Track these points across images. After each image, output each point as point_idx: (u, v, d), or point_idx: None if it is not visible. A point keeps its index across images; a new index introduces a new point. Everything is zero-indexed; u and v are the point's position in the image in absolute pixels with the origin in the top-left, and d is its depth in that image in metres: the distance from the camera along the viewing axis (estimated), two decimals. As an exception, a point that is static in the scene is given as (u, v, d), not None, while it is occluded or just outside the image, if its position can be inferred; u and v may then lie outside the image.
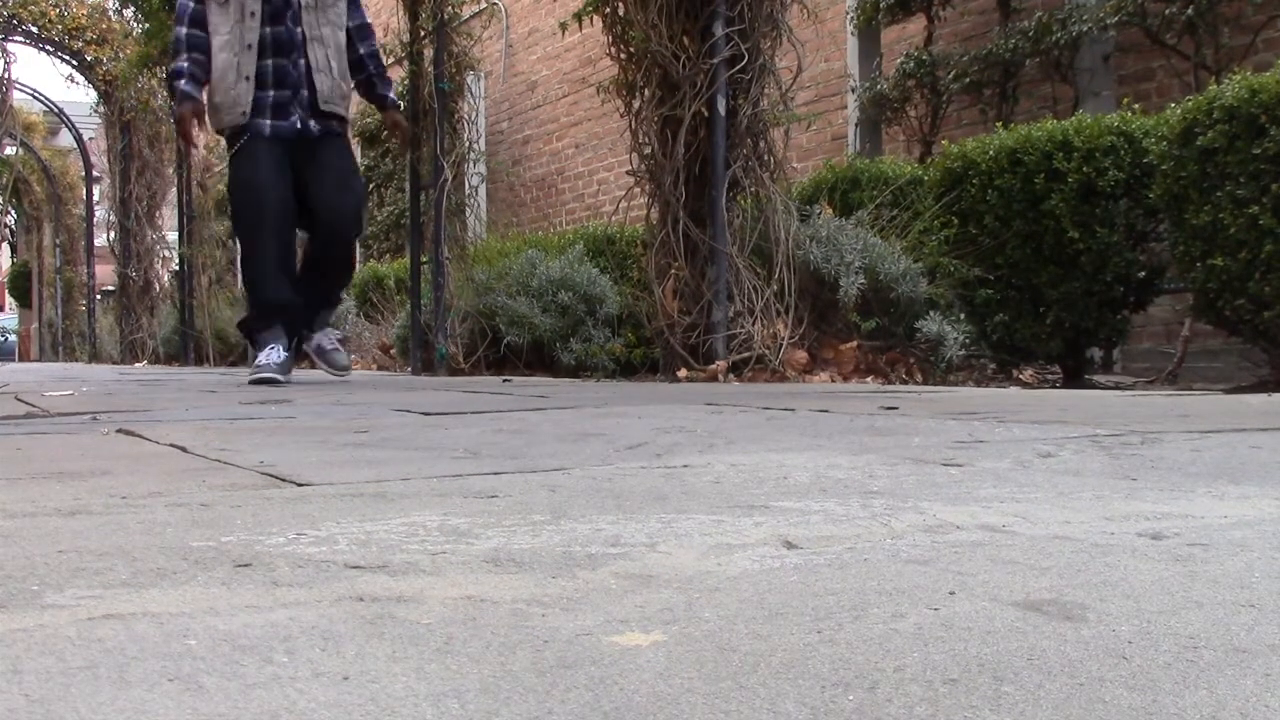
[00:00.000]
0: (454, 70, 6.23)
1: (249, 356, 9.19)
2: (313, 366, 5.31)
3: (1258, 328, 3.26)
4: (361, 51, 4.97)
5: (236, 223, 4.93)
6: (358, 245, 17.01)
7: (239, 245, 5.10)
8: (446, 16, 6.11)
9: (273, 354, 4.66)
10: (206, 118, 4.84)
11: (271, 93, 4.72)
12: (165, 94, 11.01)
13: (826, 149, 7.48)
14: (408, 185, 6.65)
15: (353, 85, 4.99)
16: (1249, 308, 3.21)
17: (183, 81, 4.65)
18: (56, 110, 15.71)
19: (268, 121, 4.72)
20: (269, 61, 4.71)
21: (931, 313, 4.11)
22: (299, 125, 4.75)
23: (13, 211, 21.84)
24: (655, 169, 4.21)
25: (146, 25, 9.42)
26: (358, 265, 13.44)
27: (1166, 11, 5.27)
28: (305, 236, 5.16)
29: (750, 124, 4.18)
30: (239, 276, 11.96)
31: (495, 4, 10.77)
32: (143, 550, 0.81)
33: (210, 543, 0.84)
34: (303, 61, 4.74)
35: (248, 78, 4.68)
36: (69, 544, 0.84)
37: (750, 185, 4.19)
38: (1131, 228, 3.81)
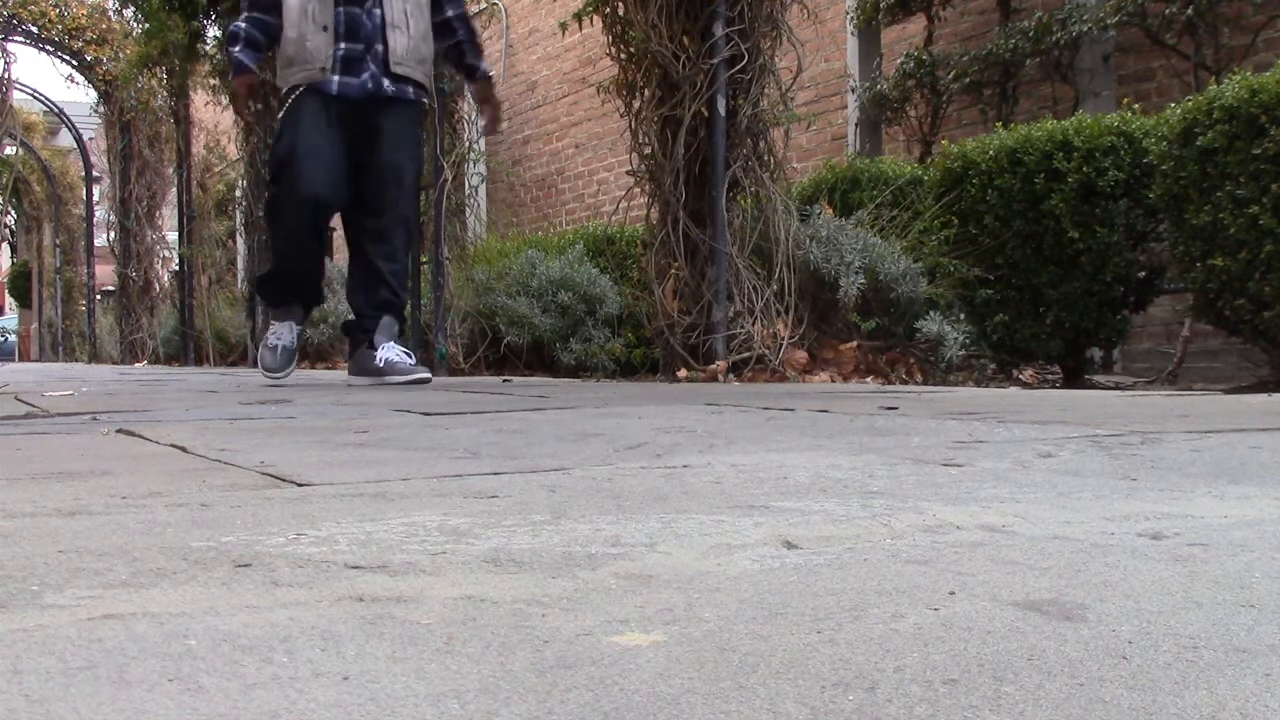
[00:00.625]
0: (453, 70, 6.23)
1: (249, 356, 9.20)
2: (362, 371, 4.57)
3: (1258, 328, 3.26)
4: (449, 14, 4.36)
5: (276, 183, 4.26)
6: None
7: (271, 204, 4.39)
8: (446, 16, 6.10)
9: (284, 335, 4.36)
10: (277, 76, 4.29)
11: (342, 45, 4.12)
12: (165, 94, 11.03)
13: (826, 149, 7.48)
14: (408, 185, 6.64)
15: (432, 51, 4.36)
16: (1249, 308, 3.21)
17: (237, 49, 4.19)
18: (56, 110, 15.72)
19: (335, 78, 4.11)
20: (340, 10, 4.11)
21: (931, 313, 4.11)
22: (370, 84, 4.13)
23: (13, 211, 21.84)
24: (655, 169, 4.21)
25: (146, 25, 9.41)
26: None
27: (1166, 11, 5.27)
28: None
29: (750, 124, 4.18)
30: (239, 276, 11.96)
31: (495, 4, 10.78)
32: (143, 550, 0.81)
33: (210, 543, 0.84)
34: (378, 12, 4.14)
35: (325, 27, 4.10)
36: (69, 544, 0.84)
37: (750, 185, 4.20)
38: (1131, 228, 3.81)
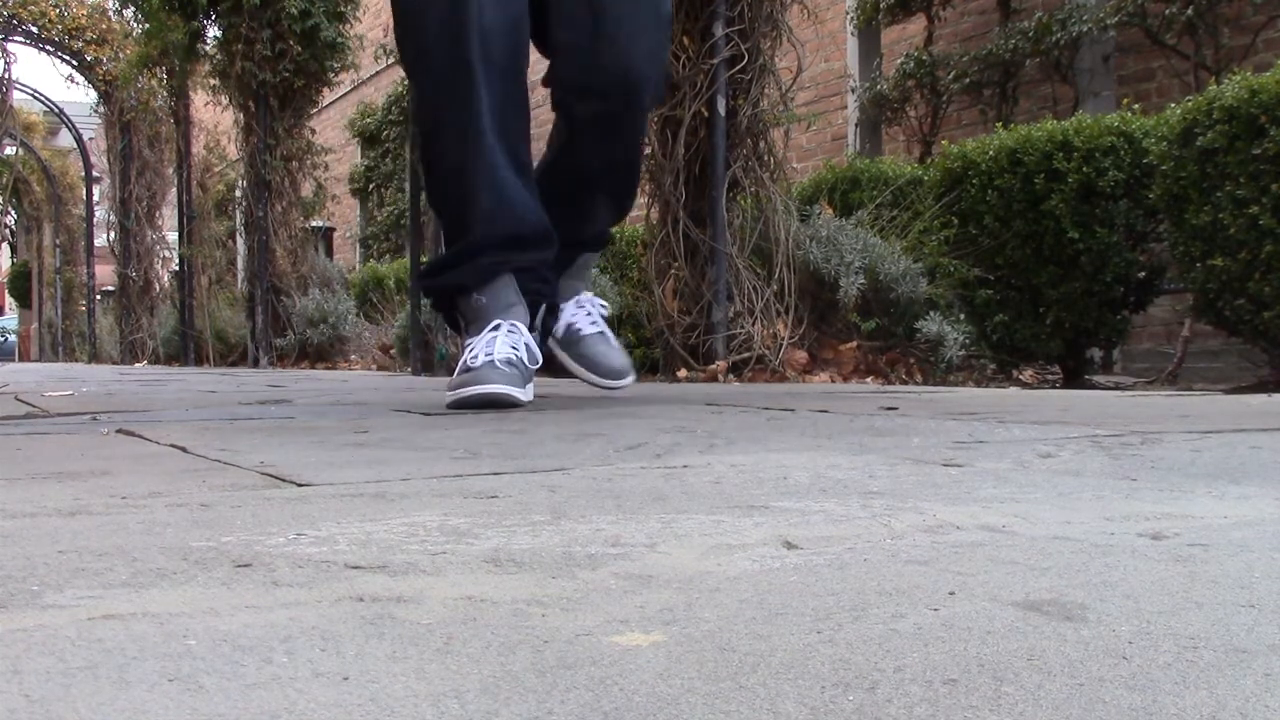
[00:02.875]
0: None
1: (249, 356, 9.17)
2: (553, 372, 2.75)
3: (1258, 328, 3.26)
4: None
5: (411, 74, 2.51)
6: (357, 246, 16.53)
7: (418, 121, 2.62)
8: (446, 16, 6.10)
9: (500, 340, 2.32)
10: None
11: None
12: (165, 94, 11.03)
13: (826, 149, 7.48)
14: (408, 185, 6.65)
15: None
16: (1249, 308, 3.21)
17: None
18: (56, 110, 15.73)
19: None
20: None
21: (931, 313, 4.11)
22: None
23: (13, 211, 21.85)
24: (655, 169, 4.21)
25: (146, 25, 9.42)
26: (357, 266, 13.38)
27: (1166, 11, 5.27)
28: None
29: (750, 124, 4.18)
30: (239, 276, 11.93)
31: (495, 4, 10.75)
32: (143, 550, 0.81)
33: (210, 543, 0.84)
34: None
35: None
36: (69, 544, 0.84)
37: (750, 185, 4.20)
38: (1131, 228, 3.81)
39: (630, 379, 2.56)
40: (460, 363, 2.37)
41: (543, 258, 2.46)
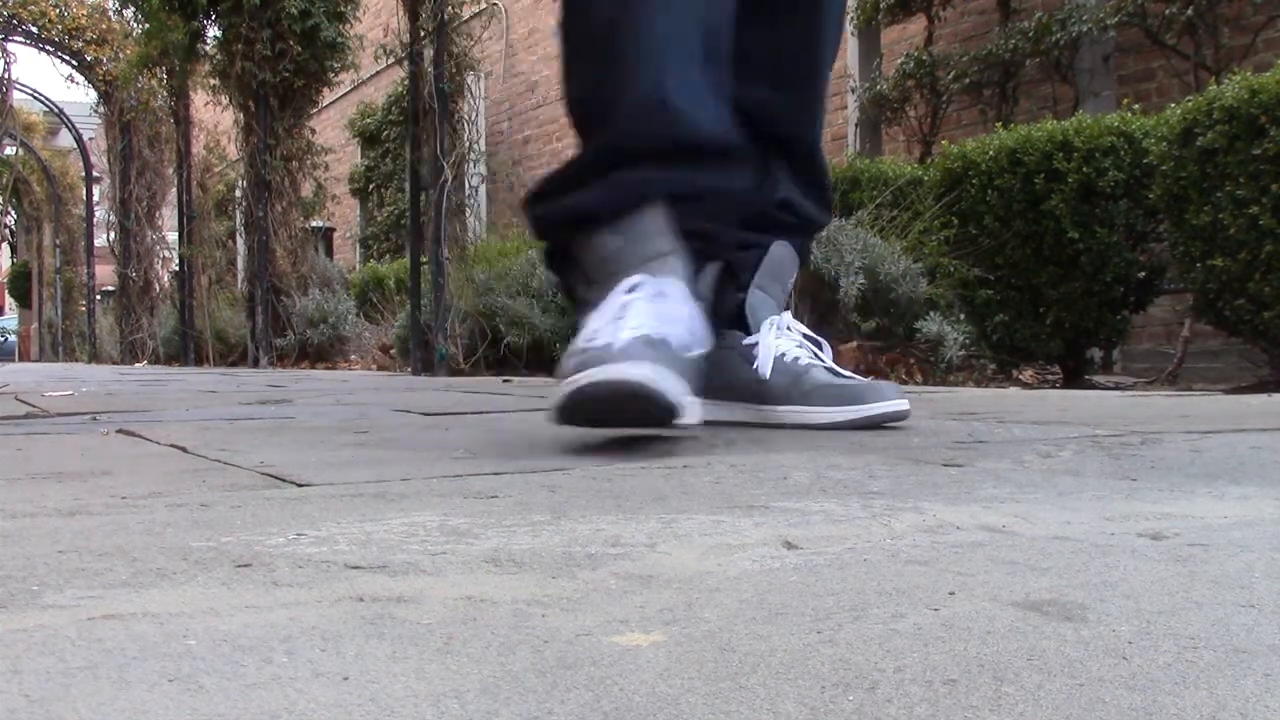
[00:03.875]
0: (454, 70, 6.24)
1: (249, 356, 9.18)
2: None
3: (1258, 328, 3.26)
4: None
5: None
6: (357, 246, 16.52)
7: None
8: (447, 17, 6.12)
9: (639, 307, 1.41)
10: None
11: None
12: (165, 94, 11.04)
13: (826, 149, 7.48)
14: (408, 185, 6.65)
15: None
16: (1249, 308, 3.21)
17: None
18: (56, 110, 15.74)
19: None
20: None
21: (931, 313, 4.11)
22: None
23: (13, 211, 21.85)
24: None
25: (146, 25, 9.42)
26: (357, 266, 13.36)
27: (1166, 11, 5.27)
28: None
29: (750, 124, 4.18)
30: (239, 276, 11.94)
31: (495, 4, 10.78)
32: (143, 550, 0.81)
33: (210, 543, 0.84)
34: None
35: None
36: (69, 544, 0.84)
37: (750, 185, 4.19)
38: (1131, 228, 3.81)
39: (904, 405, 1.73)
40: (579, 341, 1.44)
41: (720, 184, 1.60)
